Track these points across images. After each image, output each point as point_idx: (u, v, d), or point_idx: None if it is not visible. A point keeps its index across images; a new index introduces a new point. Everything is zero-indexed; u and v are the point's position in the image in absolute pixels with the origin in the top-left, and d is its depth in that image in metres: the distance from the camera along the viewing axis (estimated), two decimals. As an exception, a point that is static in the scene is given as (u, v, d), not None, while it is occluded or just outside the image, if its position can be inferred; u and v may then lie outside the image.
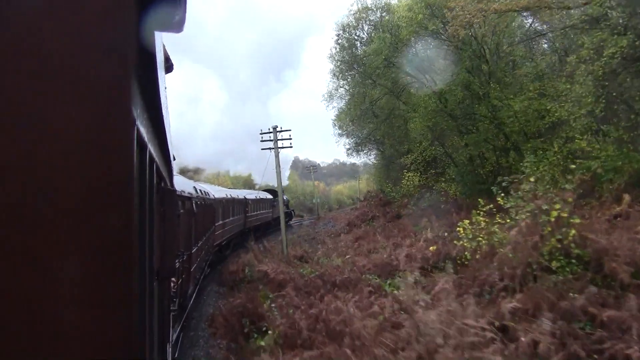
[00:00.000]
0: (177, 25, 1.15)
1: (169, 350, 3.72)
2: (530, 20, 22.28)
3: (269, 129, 18.56)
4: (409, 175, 26.48)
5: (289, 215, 38.42)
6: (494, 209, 10.86)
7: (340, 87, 32.62)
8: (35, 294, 0.82)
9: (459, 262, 10.58)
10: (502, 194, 10.21)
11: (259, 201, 26.49)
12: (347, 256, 16.53)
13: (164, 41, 2.07)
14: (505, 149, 20.39)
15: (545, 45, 24.38)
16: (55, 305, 0.83)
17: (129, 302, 0.89)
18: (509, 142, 19.86)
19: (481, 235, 10.38)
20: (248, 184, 61.17)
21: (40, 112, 0.84)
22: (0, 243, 0.81)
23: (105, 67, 0.88)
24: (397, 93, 24.30)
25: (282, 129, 18.46)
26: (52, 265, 0.83)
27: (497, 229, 10.15)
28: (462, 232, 10.75)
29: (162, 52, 1.99)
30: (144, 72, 1.21)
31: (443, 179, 24.36)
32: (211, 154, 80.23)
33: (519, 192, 9.62)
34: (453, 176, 23.74)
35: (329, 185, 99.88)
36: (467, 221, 10.76)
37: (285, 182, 65.21)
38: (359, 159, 50.94)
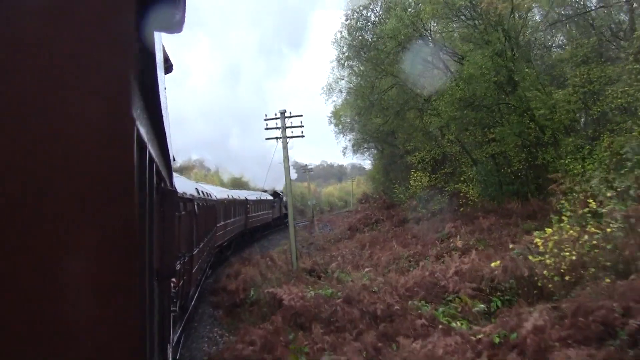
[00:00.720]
0: (176, 26, 1.14)
1: (170, 351, 3.52)
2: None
3: (276, 114, 15.27)
4: (416, 175, 23.94)
5: (286, 217, 36.60)
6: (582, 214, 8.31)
7: (341, 78, 30.02)
8: (35, 293, 0.82)
9: (539, 284, 8.00)
10: (609, 196, 7.65)
11: (259, 202, 26.01)
12: (367, 269, 14.01)
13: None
14: (540, 145, 17.96)
15: (562, 38, 22.40)
16: (55, 305, 0.83)
17: (130, 302, 0.88)
18: (546, 137, 17.41)
19: (567, 249, 7.82)
20: (239, 185, 57.05)
21: (40, 112, 0.84)
22: (1, 242, 0.82)
23: (106, 66, 0.89)
24: (412, 82, 21.70)
25: (292, 114, 15.21)
26: (52, 264, 0.83)
27: (590, 239, 7.61)
28: (540, 244, 8.16)
29: (162, 52, 2.01)
30: (144, 73, 1.18)
31: (462, 179, 21.85)
32: (194, 146, 75.05)
33: (631, 192, 7.11)
34: (472, 176, 21.26)
35: (318, 187, 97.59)
36: (549, 230, 8.18)
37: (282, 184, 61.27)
38: (355, 160, 47.92)
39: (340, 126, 34.84)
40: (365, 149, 36.94)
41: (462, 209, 19.42)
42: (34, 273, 0.82)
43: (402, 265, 13.81)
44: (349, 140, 35.62)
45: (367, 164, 46.98)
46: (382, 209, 27.94)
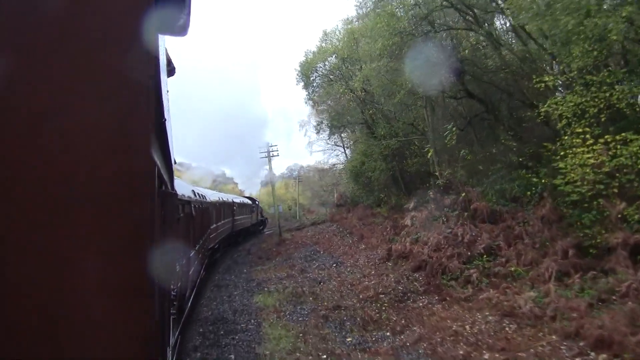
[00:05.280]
0: (180, 29, 1.15)
1: (169, 353, 3.61)
2: None
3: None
4: (579, 147, 9.22)
5: (262, 224, 36.47)
6: None
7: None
8: (55, 295, 0.82)
9: None
10: None
11: (242, 205, 26.45)
12: None
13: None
14: None
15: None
16: (74, 301, 0.83)
17: (148, 306, 0.89)
18: None
19: None
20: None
21: (56, 117, 0.84)
22: (21, 241, 0.82)
23: (125, 74, 0.88)
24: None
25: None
26: (71, 267, 0.83)
27: None
28: None
29: (165, 55, 2.09)
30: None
31: None
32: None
33: None
34: None
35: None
36: None
37: (255, 190, 55.50)
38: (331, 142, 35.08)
39: (311, 86, 24.41)
40: (348, 124, 25.23)
41: None
42: (52, 273, 0.83)
43: None
44: (326, 111, 25.57)
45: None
46: (479, 221, 12.23)
